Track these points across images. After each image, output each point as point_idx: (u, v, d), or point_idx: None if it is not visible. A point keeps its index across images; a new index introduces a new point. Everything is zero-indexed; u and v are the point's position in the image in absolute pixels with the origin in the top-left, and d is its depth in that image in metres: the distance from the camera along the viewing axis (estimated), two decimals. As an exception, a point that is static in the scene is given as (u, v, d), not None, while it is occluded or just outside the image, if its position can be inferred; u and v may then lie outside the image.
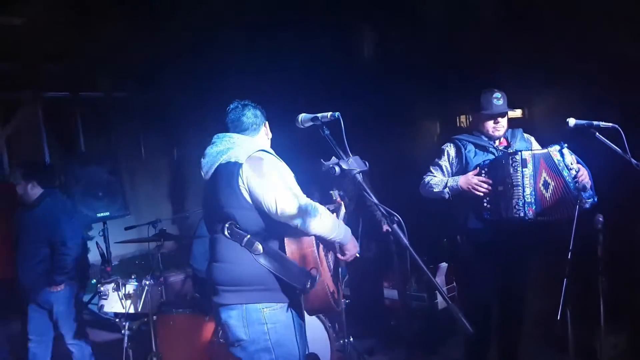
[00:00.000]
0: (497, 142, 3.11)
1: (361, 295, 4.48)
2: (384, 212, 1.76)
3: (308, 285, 2.08)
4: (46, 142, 6.44)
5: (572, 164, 2.84)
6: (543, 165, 2.84)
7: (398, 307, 4.33)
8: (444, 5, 5.14)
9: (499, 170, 2.90)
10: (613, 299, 2.71)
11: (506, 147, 3.09)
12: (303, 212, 2.06)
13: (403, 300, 4.16)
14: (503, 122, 3.07)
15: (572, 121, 2.66)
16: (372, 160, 1.98)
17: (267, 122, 2.40)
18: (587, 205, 2.79)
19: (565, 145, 2.87)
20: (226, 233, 2.11)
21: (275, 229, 2.13)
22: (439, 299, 4.22)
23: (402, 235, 1.72)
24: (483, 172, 2.98)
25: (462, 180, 3.00)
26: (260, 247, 2.08)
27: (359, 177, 1.86)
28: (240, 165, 2.10)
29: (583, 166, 2.88)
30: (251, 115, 2.30)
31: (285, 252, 2.12)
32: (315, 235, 2.15)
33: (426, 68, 5.28)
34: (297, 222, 2.07)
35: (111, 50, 5.74)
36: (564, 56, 4.34)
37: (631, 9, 3.82)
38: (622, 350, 3.63)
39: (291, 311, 2.18)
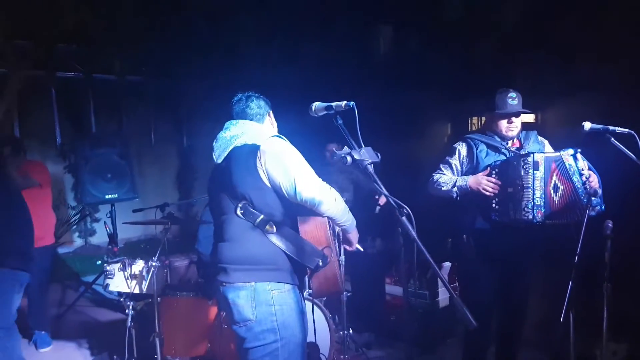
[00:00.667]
0: (509, 143, 3.09)
1: (363, 290, 4.49)
2: (394, 204, 1.76)
3: (320, 264, 2.14)
4: (58, 122, 6.50)
5: (583, 170, 2.83)
6: (554, 169, 2.82)
7: (399, 303, 4.34)
8: (462, 7, 5.13)
9: (510, 171, 2.88)
10: (617, 306, 2.71)
11: (519, 149, 3.08)
12: (320, 194, 2.11)
13: (406, 297, 4.17)
14: (517, 122, 3.05)
15: (587, 125, 2.65)
16: (381, 157, 1.98)
17: (271, 112, 2.44)
18: (594, 213, 2.77)
19: (579, 150, 2.86)
20: (239, 213, 2.13)
21: (289, 209, 2.17)
22: (441, 297, 4.22)
23: (410, 227, 1.72)
24: (493, 172, 2.96)
25: (471, 181, 2.98)
26: (273, 226, 2.11)
27: (370, 168, 1.86)
28: (258, 147, 2.14)
29: (594, 173, 2.87)
30: (255, 105, 2.35)
31: (298, 232, 2.16)
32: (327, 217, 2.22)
33: (441, 69, 5.28)
34: (314, 203, 2.11)
35: (126, 34, 5.77)
36: (581, 62, 4.32)
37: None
38: (621, 358, 3.63)
39: (297, 294, 2.22)
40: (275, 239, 2.12)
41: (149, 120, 7.49)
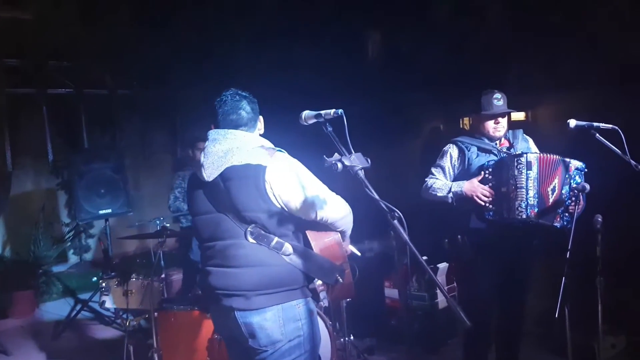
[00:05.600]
0: (498, 143, 3.13)
1: (362, 295, 4.48)
2: (385, 208, 1.77)
3: (340, 280, 2.08)
4: (50, 139, 6.47)
5: (577, 190, 2.79)
6: (559, 171, 2.85)
7: (398, 306, 4.34)
8: (450, 8, 5.17)
9: (503, 171, 2.92)
10: (611, 299, 2.73)
11: (508, 148, 3.12)
12: (339, 212, 2.10)
13: (403, 300, 4.18)
14: (503, 122, 3.09)
15: (572, 122, 2.69)
16: (374, 160, 1.98)
17: (261, 117, 2.25)
18: (558, 225, 2.83)
19: (585, 169, 2.89)
20: (250, 238, 2.02)
21: (300, 226, 2.10)
22: (440, 298, 4.23)
23: (402, 230, 1.73)
24: (487, 172, 2.99)
25: (466, 187, 3.01)
26: (290, 247, 2.03)
27: (361, 173, 1.87)
28: (264, 168, 2.00)
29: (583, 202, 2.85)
30: (248, 110, 2.15)
31: (311, 247, 2.10)
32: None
33: (431, 70, 5.30)
34: (334, 221, 2.10)
35: (116, 48, 5.77)
36: (568, 60, 4.36)
37: (636, 13, 3.85)
38: (620, 350, 3.65)
39: (313, 302, 2.17)
40: (293, 260, 2.03)
41: (143, 132, 7.46)
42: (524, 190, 2.83)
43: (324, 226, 2.12)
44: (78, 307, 5.47)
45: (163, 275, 3.80)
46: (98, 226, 6.45)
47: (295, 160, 2.11)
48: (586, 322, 2.89)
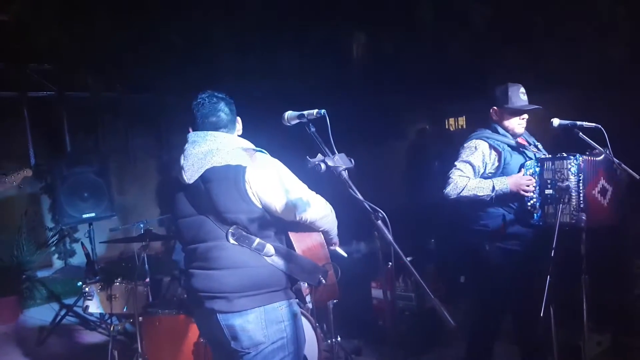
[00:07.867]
0: (518, 141, 2.98)
1: (349, 296, 4.47)
2: (369, 208, 1.76)
3: (323, 281, 2.08)
4: (32, 142, 6.38)
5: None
6: (601, 171, 2.73)
7: (385, 307, 4.34)
8: (436, 10, 5.19)
9: (548, 173, 2.76)
10: (596, 297, 2.74)
11: (528, 145, 3.01)
12: (320, 211, 2.09)
13: (388, 300, 4.17)
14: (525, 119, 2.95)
15: (556, 121, 2.69)
16: (357, 160, 1.95)
17: (239, 118, 2.25)
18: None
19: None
20: (232, 240, 2.00)
21: (282, 227, 2.09)
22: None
23: (386, 231, 1.72)
24: (529, 173, 2.84)
25: (511, 182, 2.80)
26: (272, 248, 2.02)
27: (345, 174, 1.85)
28: (244, 168, 1.99)
29: None
30: (227, 111, 2.15)
31: (293, 248, 2.09)
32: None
33: (415, 72, 5.32)
34: (314, 221, 2.09)
35: (99, 50, 5.71)
36: (553, 60, 4.40)
37: (618, 15, 3.90)
38: (605, 348, 3.67)
39: (297, 307, 2.15)
40: (275, 261, 2.03)
41: (127, 135, 7.39)
42: (576, 193, 2.66)
43: (306, 227, 2.12)
44: (63, 312, 5.39)
45: (147, 279, 3.75)
46: (82, 230, 6.37)
47: (275, 161, 2.10)
48: (571, 321, 2.90)
